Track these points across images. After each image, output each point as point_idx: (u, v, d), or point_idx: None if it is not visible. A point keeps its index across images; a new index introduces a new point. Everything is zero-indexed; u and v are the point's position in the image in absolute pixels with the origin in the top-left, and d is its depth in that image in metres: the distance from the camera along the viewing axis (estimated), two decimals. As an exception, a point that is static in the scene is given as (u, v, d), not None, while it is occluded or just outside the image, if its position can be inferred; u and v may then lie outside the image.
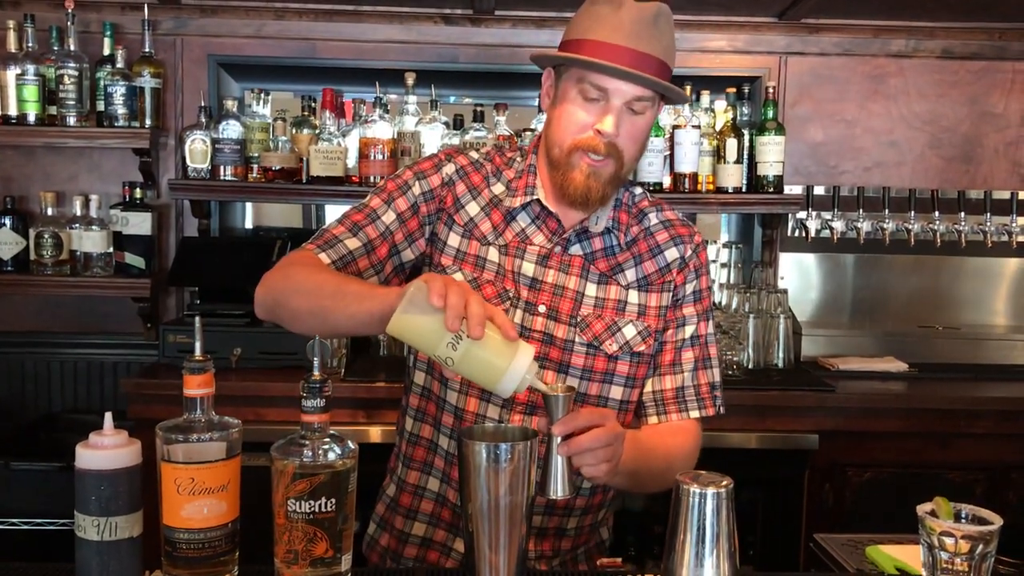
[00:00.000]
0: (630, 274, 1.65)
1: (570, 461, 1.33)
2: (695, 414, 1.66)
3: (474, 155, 1.70)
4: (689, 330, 1.67)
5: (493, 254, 1.62)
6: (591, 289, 1.62)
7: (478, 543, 1.31)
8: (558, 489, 1.33)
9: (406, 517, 1.71)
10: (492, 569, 1.30)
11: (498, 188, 1.66)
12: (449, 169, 1.66)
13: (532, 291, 1.61)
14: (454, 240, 1.63)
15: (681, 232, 1.70)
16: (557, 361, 1.61)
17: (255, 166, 3.03)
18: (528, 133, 3.02)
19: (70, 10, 2.98)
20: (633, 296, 1.64)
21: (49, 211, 3.08)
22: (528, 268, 1.61)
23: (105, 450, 1.25)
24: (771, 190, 3.07)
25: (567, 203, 1.59)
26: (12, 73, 2.97)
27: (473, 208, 1.64)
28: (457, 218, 1.64)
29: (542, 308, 1.61)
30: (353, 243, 1.57)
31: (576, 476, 1.35)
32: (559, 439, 1.32)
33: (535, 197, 1.63)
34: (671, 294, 1.67)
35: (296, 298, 1.48)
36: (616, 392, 1.64)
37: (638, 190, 1.72)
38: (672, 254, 1.67)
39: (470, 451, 1.29)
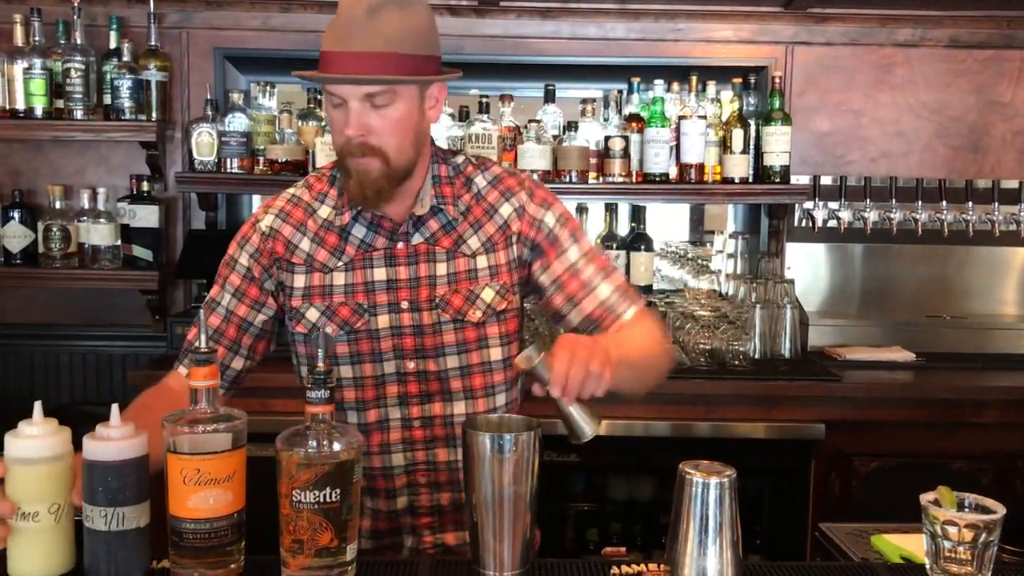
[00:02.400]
0: (473, 242, 1.68)
1: (579, 402, 1.37)
2: (631, 312, 1.70)
3: (291, 191, 1.73)
4: (574, 253, 1.70)
5: (339, 277, 1.66)
6: (440, 268, 1.67)
7: (482, 532, 1.31)
8: (586, 431, 1.38)
9: None
10: (496, 558, 1.31)
11: (325, 211, 1.69)
12: (267, 221, 1.69)
13: (391, 292, 1.66)
14: (299, 281, 1.67)
15: (509, 185, 1.72)
16: (432, 347, 1.67)
17: (261, 158, 3.04)
18: (534, 124, 3.02)
19: (76, 4, 2.99)
20: (482, 261, 1.68)
21: (57, 204, 3.10)
22: (380, 273, 1.66)
23: (112, 442, 1.26)
24: (778, 180, 3.07)
25: (355, 203, 1.64)
26: (19, 67, 2.98)
27: (305, 243, 1.68)
28: (295, 259, 1.68)
29: (404, 304, 1.66)
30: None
31: (594, 407, 1.39)
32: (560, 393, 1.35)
33: (358, 209, 1.66)
34: (519, 245, 1.70)
35: None
36: (496, 353, 1.69)
37: (459, 159, 1.74)
38: (506, 209, 1.70)
39: (473, 441, 1.30)
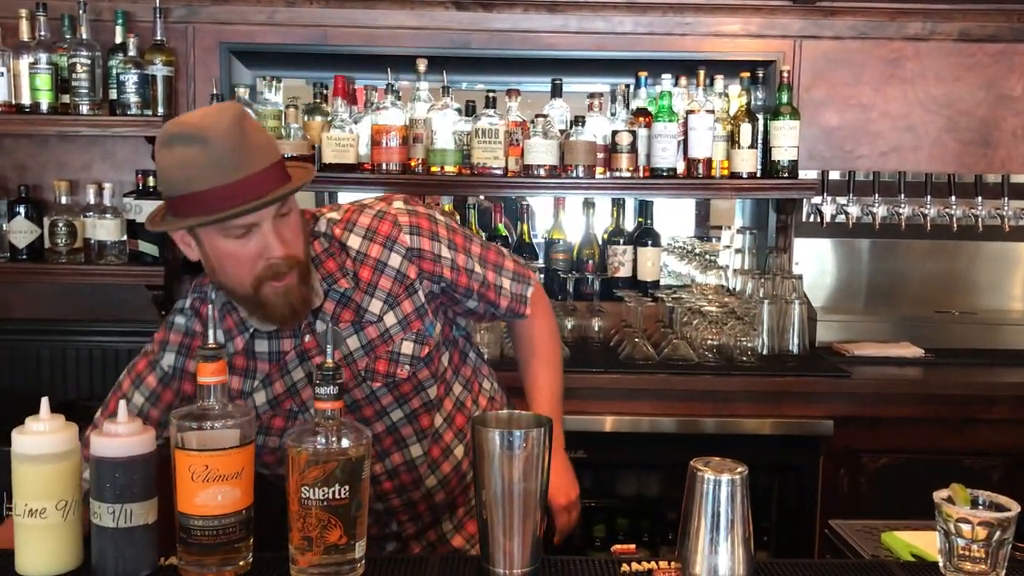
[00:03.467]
0: (373, 306, 1.63)
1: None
2: (529, 291, 1.81)
3: (180, 321, 1.65)
4: (475, 266, 1.72)
5: (260, 396, 1.63)
6: (352, 343, 1.62)
7: (492, 529, 1.31)
8: None
9: None
10: (506, 555, 1.30)
11: (220, 336, 1.58)
12: (167, 361, 1.62)
13: (310, 384, 1.61)
14: None
15: (384, 231, 1.64)
16: (372, 416, 1.66)
17: (267, 154, 3.02)
18: (541, 119, 3.01)
19: (82, -2, 2.98)
20: (390, 319, 1.64)
21: (63, 199, 3.09)
22: (299, 374, 1.62)
23: (119, 438, 1.26)
24: (786, 175, 3.05)
25: (276, 325, 1.57)
26: (25, 62, 2.98)
27: None
28: (189, 388, 1.60)
29: None
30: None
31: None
32: None
33: (251, 330, 1.60)
34: (425, 284, 1.66)
35: None
36: (432, 391, 1.70)
37: (322, 225, 1.65)
38: (395, 259, 1.63)
39: (483, 438, 1.29)
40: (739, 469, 1.26)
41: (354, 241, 1.63)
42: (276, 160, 1.47)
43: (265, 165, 1.44)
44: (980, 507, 1.31)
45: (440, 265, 1.66)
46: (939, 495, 1.32)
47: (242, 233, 1.45)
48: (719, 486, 1.25)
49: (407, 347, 1.64)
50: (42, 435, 1.27)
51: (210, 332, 1.32)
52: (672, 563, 1.34)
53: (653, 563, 1.37)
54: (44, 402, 1.30)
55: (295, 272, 1.49)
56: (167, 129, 1.46)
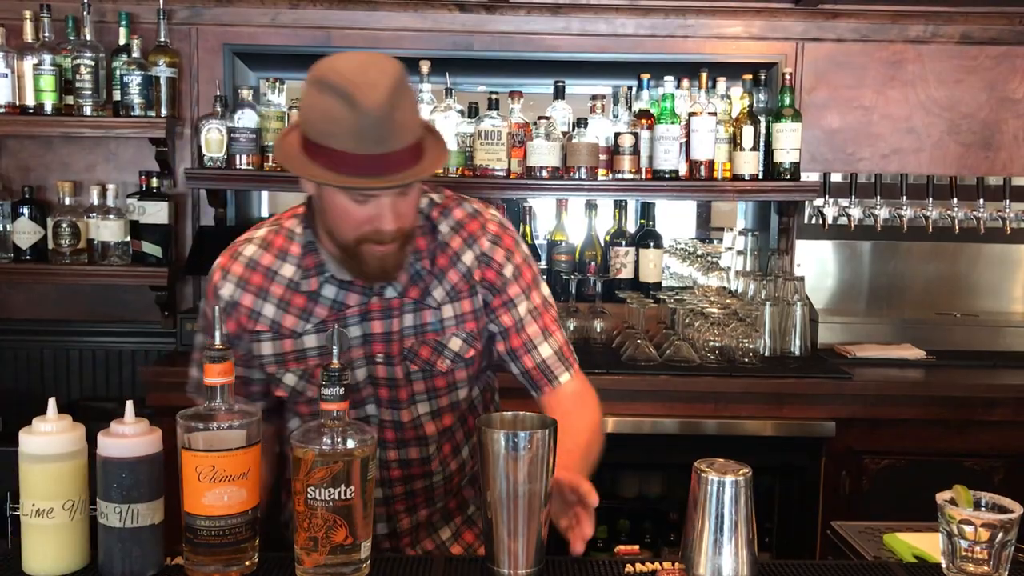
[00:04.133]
0: (438, 293, 1.64)
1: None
2: (564, 377, 1.71)
3: (248, 251, 1.64)
4: (523, 308, 1.69)
5: (311, 340, 1.62)
6: (408, 320, 1.63)
7: (496, 530, 1.31)
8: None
9: None
10: (511, 556, 1.31)
11: (288, 270, 1.61)
12: (227, 291, 1.62)
13: (365, 346, 1.63)
14: (267, 348, 1.63)
15: (471, 229, 1.66)
16: (406, 398, 1.66)
17: (271, 155, 3.04)
18: (543, 121, 3.01)
19: (86, 0, 2.99)
20: (448, 311, 1.65)
21: (67, 200, 3.10)
22: (354, 330, 1.62)
23: (127, 438, 1.26)
24: (788, 177, 3.06)
25: (365, 281, 1.58)
26: (29, 63, 2.99)
27: (269, 310, 1.61)
28: (260, 327, 1.62)
29: (379, 357, 1.63)
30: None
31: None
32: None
33: (327, 275, 1.60)
34: (483, 292, 1.66)
35: None
36: (463, 393, 1.71)
37: (424, 203, 1.66)
38: (469, 257, 1.65)
39: (488, 439, 1.30)
40: (743, 470, 1.27)
41: (443, 228, 1.66)
42: (417, 139, 1.47)
43: (405, 144, 1.43)
44: (983, 509, 1.31)
45: (499, 280, 1.66)
46: (942, 497, 1.33)
47: (362, 199, 1.46)
48: (723, 487, 1.25)
49: (455, 343, 1.66)
50: (50, 435, 1.28)
51: (216, 333, 1.32)
52: (676, 564, 1.34)
53: (657, 564, 1.37)
54: (51, 403, 1.30)
55: (398, 242, 1.51)
56: (322, 72, 1.43)
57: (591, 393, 1.75)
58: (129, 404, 1.30)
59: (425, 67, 3.02)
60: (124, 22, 3.09)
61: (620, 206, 3.34)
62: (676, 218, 3.76)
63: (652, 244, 3.27)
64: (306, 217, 1.63)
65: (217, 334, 1.30)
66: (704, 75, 3.10)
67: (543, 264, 3.35)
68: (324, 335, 1.59)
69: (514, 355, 1.70)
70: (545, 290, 1.74)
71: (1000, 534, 1.27)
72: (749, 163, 3.05)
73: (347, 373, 1.27)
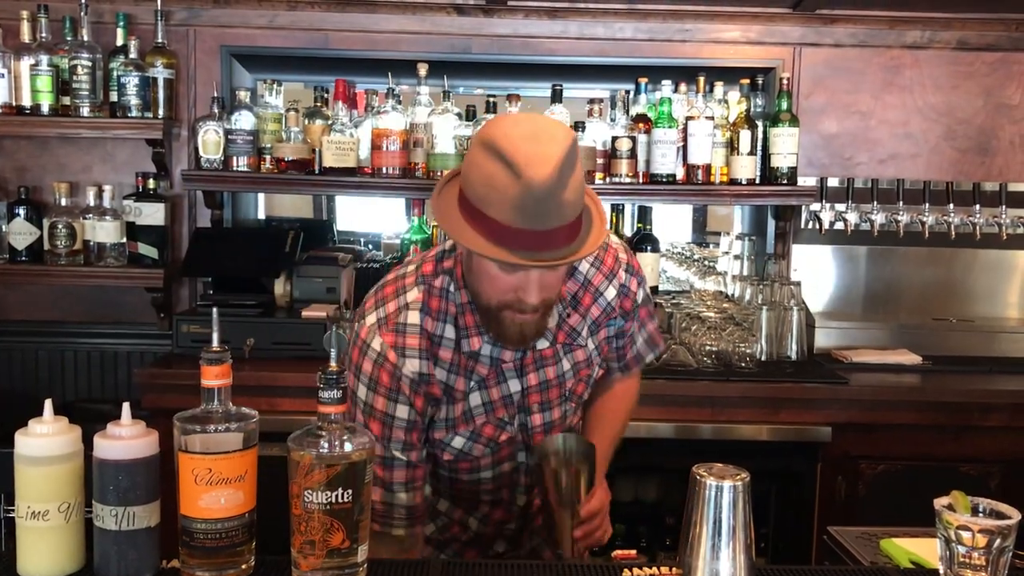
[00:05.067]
0: (585, 331, 1.69)
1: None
2: (650, 358, 1.86)
3: (413, 319, 1.57)
4: (637, 320, 1.78)
5: (475, 398, 1.62)
6: (565, 364, 1.67)
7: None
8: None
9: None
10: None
11: (450, 332, 1.59)
12: (412, 367, 1.56)
13: (522, 398, 1.65)
14: (442, 413, 1.61)
15: (609, 264, 1.70)
16: (560, 431, 1.70)
17: (268, 157, 3.03)
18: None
19: (83, 1, 2.98)
20: (591, 344, 1.71)
21: (63, 201, 3.09)
22: (513, 385, 1.64)
23: (123, 440, 1.26)
24: (785, 182, 3.06)
25: (504, 344, 1.58)
26: (26, 64, 2.98)
27: (441, 374, 1.59)
28: (435, 391, 1.59)
29: (535, 407, 1.66)
30: (399, 491, 1.61)
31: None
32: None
33: (489, 333, 1.58)
34: (619, 317, 1.73)
35: None
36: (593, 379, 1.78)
37: None
38: (611, 292, 1.70)
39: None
40: (741, 475, 1.27)
41: (583, 267, 1.67)
42: (578, 215, 1.42)
43: (562, 223, 1.38)
44: (981, 515, 1.31)
45: (633, 306, 1.74)
46: (940, 502, 1.33)
47: (510, 270, 1.43)
48: (721, 492, 1.25)
49: (596, 371, 1.74)
50: (46, 437, 1.27)
51: (214, 335, 1.31)
52: (673, 569, 1.34)
53: (654, 568, 1.37)
54: (48, 404, 1.30)
55: (540, 312, 1.50)
56: (492, 135, 1.38)
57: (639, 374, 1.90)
58: (126, 406, 1.29)
59: (423, 70, 3.02)
60: (122, 23, 3.08)
61: (617, 210, 3.33)
62: (673, 222, 3.77)
63: (649, 248, 3.27)
64: (454, 274, 1.59)
65: (215, 337, 1.30)
66: (702, 79, 3.10)
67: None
68: (485, 392, 1.62)
69: (622, 354, 1.79)
70: (647, 286, 1.80)
71: (998, 540, 1.27)
72: (746, 167, 3.05)
73: (344, 376, 1.27)
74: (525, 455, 1.69)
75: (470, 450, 1.63)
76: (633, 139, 3.03)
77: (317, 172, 3.03)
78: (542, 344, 1.63)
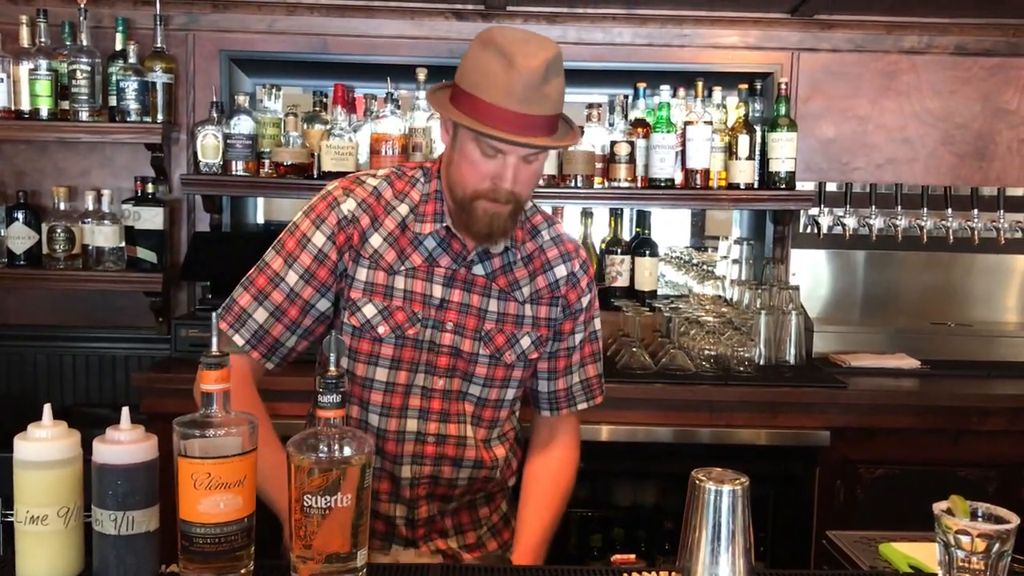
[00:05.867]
0: (526, 290, 1.76)
1: None
2: (583, 406, 1.88)
3: (372, 182, 1.73)
4: (579, 337, 1.84)
5: (400, 281, 1.69)
6: (492, 305, 1.73)
7: None
8: None
9: None
10: None
11: (402, 209, 1.71)
12: (349, 206, 1.69)
13: (439, 310, 1.70)
14: (362, 274, 1.69)
15: (568, 248, 1.81)
16: (463, 371, 1.73)
17: (267, 161, 3.03)
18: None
19: (82, 5, 2.99)
20: (528, 309, 1.76)
21: (61, 206, 3.09)
22: (436, 290, 1.70)
23: (122, 445, 1.26)
24: (783, 186, 3.06)
25: (471, 238, 1.68)
26: (25, 68, 2.98)
27: (376, 240, 1.69)
28: (363, 252, 1.68)
29: (449, 325, 1.70)
30: (261, 314, 1.66)
31: None
32: None
33: (444, 224, 1.69)
34: (560, 307, 1.79)
35: None
36: (510, 394, 1.80)
37: (530, 205, 1.81)
38: (561, 271, 1.79)
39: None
40: (740, 480, 1.27)
41: (545, 235, 1.80)
42: (557, 114, 1.58)
43: (547, 113, 1.55)
44: (980, 519, 1.31)
45: (576, 304, 1.81)
46: (939, 507, 1.33)
47: (491, 153, 1.57)
48: (720, 497, 1.25)
49: (525, 341, 1.76)
50: (45, 442, 1.27)
51: (213, 340, 1.32)
52: (672, 573, 1.34)
53: (654, 573, 1.37)
54: (47, 409, 1.30)
55: (510, 206, 1.62)
56: (492, 35, 1.56)
57: (577, 439, 1.91)
58: (125, 410, 1.29)
59: (422, 75, 3.02)
60: (121, 28, 3.09)
61: (616, 214, 3.34)
62: (672, 227, 3.77)
63: (648, 252, 3.28)
64: (430, 170, 1.74)
65: (214, 341, 1.30)
66: (700, 84, 3.11)
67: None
68: (410, 280, 1.68)
69: (552, 374, 1.84)
70: (598, 323, 1.88)
71: (997, 545, 1.27)
72: (744, 172, 3.05)
73: (344, 381, 1.27)
74: (427, 378, 1.70)
75: (376, 324, 1.67)
76: (632, 144, 3.03)
77: (316, 176, 3.03)
78: (478, 270, 1.72)
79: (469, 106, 1.55)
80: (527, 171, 1.61)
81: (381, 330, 1.68)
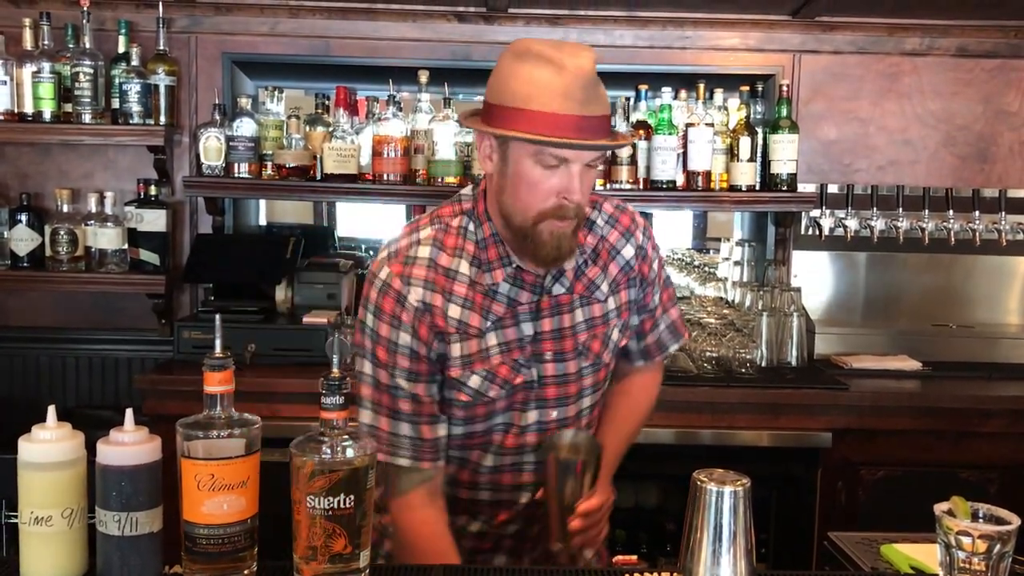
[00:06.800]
0: (604, 286, 1.70)
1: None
2: (674, 347, 1.86)
3: (424, 252, 1.60)
4: (658, 296, 1.79)
5: (491, 338, 1.61)
6: (579, 315, 1.67)
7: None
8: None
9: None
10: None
11: (464, 268, 1.60)
12: (416, 295, 1.58)
13: (535, 344, 1.64)
14: (455, 350, 1.60)
15: (625, 223, 1.73)
16: (574, 395, 1.69)
17: (269, 163, 3.04)
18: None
19: (85, 8, 2.99)
20: (611, 302, 1.71)
21: (64, 208, 3.10)
22: (527, 328, 1.63)
23: (126, 447, 1.26)
24: (784, 188, 3.07)
25: (539, 264, 1.59)
26: (28, 71, 2.99)
27: (455, 311, 1.59)
28: (447, 329, 1.59)
29: (548, 355, 1.65)
30: (405, 428, 1.60)
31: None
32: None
33: (514, 265, 1.61)
34: (638, 284, 1.74)
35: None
36: (607, 385, 1.78)
37: None
38: (629, 251, 1.72)
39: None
40: (742, 481, 1.27)
41: (599, 221, 1.71)
42: (608, 113, 1.52)
43: (604, 113, 1.49)
44: (981, 520, 1.32)
45: (651, 273, 1.75)
46: (940, 508, 1.33)
47: (554, 165, 1.49)
48: (722, 498, 1.25)
49: (616, 335, 1.72)
50: (49, 443, 1.27)
51: (216, 341, 1.32)
52: (674, 574, 1.34)
53: (655, 574, 1.37)
54: (51, 410, 1.30)
55: (575, 222, 1.54)
56: (524, 46, 1.50)
57: (662, 365, 1.91)
58: (129, 412, 1.30)
59: (424, 77, 3.03)
60: (123, 30, 3.09)
61: (617, 216, 3.34)
62: (673, 228, 3.78)
63: (649, 254, 3.27)
64: (474, 213, 1.63)
65: (218, 343, 1.30)
66: (702, 86, 3.11)
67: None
68: (500, 332, 1.61)
69: (641, 335, 1.79)
70: (666, 269, 1.84)
71: (998, 546, 1.27)
72: (746, 174, 3.06)
73: (347, 382, 1.27)
74: (539, 412, 1.67)
75: (486, 391, 1.61)
76: (633, 146, 3.04)
77: (318, 179, 3.04)
78: (559, 290, 1.64)
79: (520, 121, 1.45)
80: (589, 178, 1.53)
81: (492, 393, 1.62)
